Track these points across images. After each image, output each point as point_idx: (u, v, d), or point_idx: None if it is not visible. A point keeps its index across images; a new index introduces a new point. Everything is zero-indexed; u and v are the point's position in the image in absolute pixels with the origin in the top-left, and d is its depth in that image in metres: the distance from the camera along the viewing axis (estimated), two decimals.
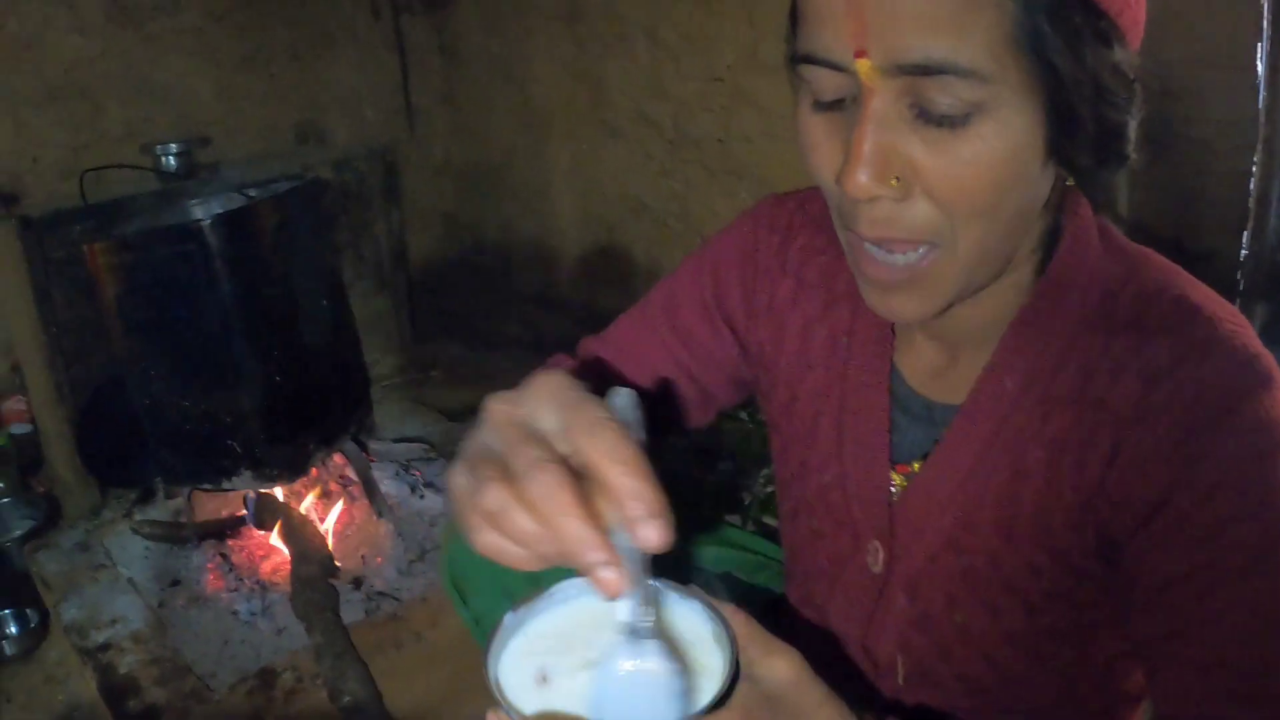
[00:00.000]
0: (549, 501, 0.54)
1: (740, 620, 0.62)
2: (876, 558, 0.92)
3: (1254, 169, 1.55)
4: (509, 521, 0.56)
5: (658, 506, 0.54)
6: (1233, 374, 0.74)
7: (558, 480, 0.55)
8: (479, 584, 1.11)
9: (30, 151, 2.31)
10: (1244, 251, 1.59)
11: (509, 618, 0.63)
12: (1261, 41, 1.48)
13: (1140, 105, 0.72)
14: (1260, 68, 1.49)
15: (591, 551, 0.54)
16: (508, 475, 0.57)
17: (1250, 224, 1.58)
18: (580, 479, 0.56)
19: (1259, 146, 1.53)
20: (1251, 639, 0.71)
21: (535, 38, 2.72)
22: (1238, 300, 1.60)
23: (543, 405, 0.59)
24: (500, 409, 0.60)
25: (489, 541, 0.58)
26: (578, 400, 0.58)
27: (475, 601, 1.12)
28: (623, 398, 0.61)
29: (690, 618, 0.63)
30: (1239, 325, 0.76)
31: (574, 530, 0.54)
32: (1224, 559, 0.71)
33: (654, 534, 0.54)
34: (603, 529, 0.55)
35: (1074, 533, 0.81)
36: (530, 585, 0.64)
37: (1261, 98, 1.51)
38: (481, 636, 1.10)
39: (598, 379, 1.07)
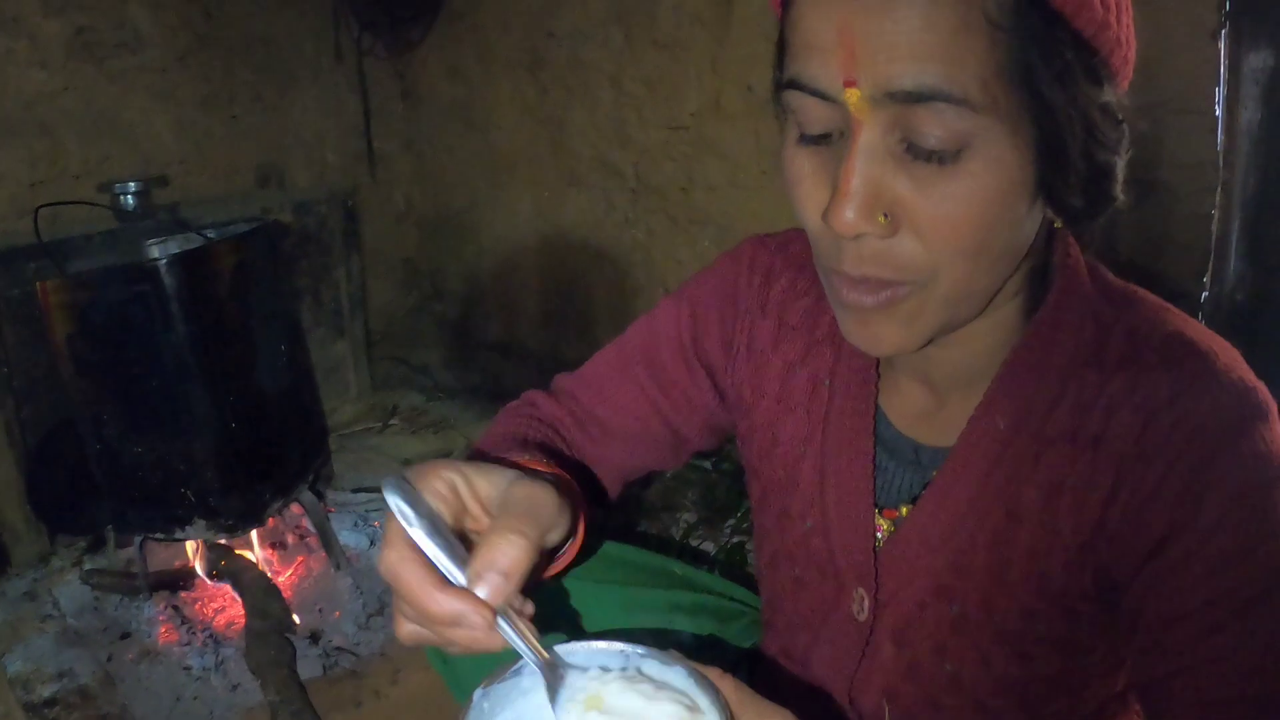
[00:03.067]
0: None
1: (729, 685, 0.59)
2: (862, 606, 0.89)
3: (1214, 212, 1.57)
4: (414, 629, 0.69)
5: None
6: (1231, 407, 0.73)
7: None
8: None
9: None
10: (1204, 293, 1.61)
11: (478, 694, 0.60)
12: (1219, 86, 1.51)
13: (1128, 146, 0.72)
14: (1218, 111, 1.52)
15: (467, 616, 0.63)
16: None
17: (1211, 265, 1.60)
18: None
19: (1219, 189, 1.55)
20: (1258, 674, 0.70)
21: (498, 84, 2.72)
22: None
23: None
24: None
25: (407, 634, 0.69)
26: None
27: None
28: (390, 492, 0.67)
29: (677, 685, 0.60)
30: (1233, 359, 0.76)
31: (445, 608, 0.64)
32: (1229, 595, 0.70)
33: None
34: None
35: (1071, 574, 0.79)
36: None
37: (1220, 141, 1.54)
38: (448, 674, 1.06)
39: (572, 422, 1.04)
